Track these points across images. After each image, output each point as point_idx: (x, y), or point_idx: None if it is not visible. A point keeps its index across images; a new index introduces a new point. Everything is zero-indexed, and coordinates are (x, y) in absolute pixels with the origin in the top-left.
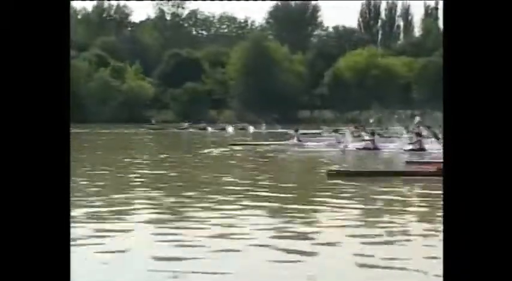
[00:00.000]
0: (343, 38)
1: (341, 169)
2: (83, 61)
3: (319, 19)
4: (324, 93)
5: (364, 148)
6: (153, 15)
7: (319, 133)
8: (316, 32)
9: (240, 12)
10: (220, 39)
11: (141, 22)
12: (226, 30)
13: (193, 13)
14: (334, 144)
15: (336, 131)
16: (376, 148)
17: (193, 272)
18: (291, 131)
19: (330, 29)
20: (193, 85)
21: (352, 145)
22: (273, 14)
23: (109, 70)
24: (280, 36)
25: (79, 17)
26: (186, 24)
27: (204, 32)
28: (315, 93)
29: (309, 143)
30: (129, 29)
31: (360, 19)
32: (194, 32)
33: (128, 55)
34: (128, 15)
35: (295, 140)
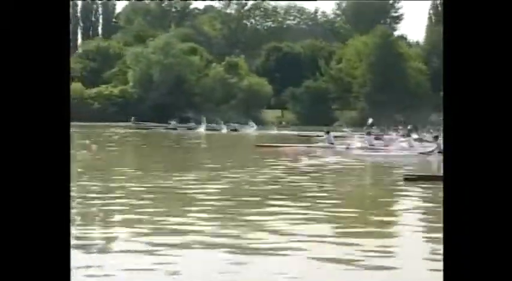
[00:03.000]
0: None
1: None
2: (193, 56)
3: (399, 11)
4: None
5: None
6: (202, 6)
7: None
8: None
9: (307, 2)
10: (291, 32)
11: (190, 11)
12: (294, 22)
13: (258, 4)
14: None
15: (368, 133)
16: (441, 152)
17: None
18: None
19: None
20: (315, 84)
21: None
22: (344, 4)
23: (223, 66)
24: (357, 28)
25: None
26: (250, 15)
27: (271, 24)
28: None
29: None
30: (186, 20)
31: (431, 12)
32: (258, 24)
33: (207, 48)
34: (189, 4)
35: (326, 143)
